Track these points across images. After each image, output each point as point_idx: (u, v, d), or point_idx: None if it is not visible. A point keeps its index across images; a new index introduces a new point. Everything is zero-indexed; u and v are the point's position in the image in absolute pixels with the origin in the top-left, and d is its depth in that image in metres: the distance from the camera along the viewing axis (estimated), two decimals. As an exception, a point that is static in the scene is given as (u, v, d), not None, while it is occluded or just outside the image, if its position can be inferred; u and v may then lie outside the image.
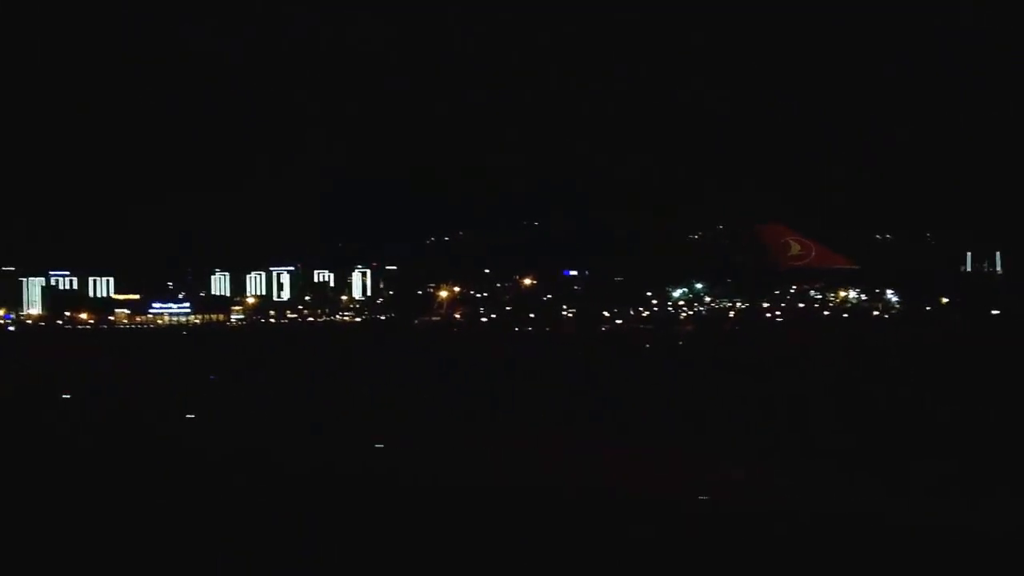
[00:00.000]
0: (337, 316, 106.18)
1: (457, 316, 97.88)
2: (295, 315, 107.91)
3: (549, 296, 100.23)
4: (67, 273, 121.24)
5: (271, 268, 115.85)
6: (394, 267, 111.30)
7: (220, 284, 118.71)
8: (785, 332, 73.11)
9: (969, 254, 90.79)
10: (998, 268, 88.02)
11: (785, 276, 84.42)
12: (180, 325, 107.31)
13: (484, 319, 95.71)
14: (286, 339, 72.41)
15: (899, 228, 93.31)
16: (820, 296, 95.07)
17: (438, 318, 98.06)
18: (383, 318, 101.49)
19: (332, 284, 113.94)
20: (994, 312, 78.95)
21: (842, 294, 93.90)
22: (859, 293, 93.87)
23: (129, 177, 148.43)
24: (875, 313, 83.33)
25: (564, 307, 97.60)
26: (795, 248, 79.38)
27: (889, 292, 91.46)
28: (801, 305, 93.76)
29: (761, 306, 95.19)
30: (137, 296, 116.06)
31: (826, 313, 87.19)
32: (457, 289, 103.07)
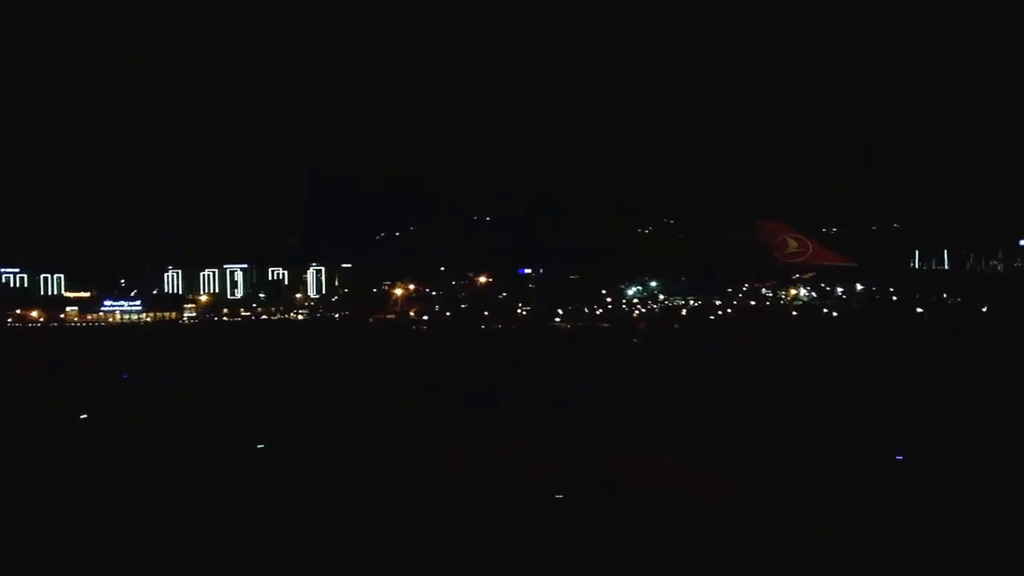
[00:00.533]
0: (291, 314, 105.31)
1: (412, 314, 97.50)
2: (249, 313, 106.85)
3: (504, 294, 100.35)
4: (17, 270, 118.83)
5: (225, 265, 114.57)
6: (349, 265, 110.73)
7: (173, 282, 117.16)
8: (724, 328, 74.30)
9: (917, 251, 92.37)
10: (945, 265, 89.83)
11: (782, 272, 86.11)
12: (131, 323, 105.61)
13: (439, 316, 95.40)
14: (230, 336, 71.52)
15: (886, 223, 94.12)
16: (772, 294, 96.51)
17: (392, 316, 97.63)
18: (337, 316, 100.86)
19: (286, 282, 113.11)
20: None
21: (792, 291, 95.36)
22: (810, 291, 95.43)
23: (81, 173, 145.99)
24: (824, 310, 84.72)
25: (519, 305, 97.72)
26: (792, 245, 79.29)
27: (839, 289, 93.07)
28: (753, 303, 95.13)
29: (713, 303, 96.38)
30: (88, 294, 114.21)
31: (775, 310, 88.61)
32: (412, 287, 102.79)
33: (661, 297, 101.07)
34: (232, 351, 48.10)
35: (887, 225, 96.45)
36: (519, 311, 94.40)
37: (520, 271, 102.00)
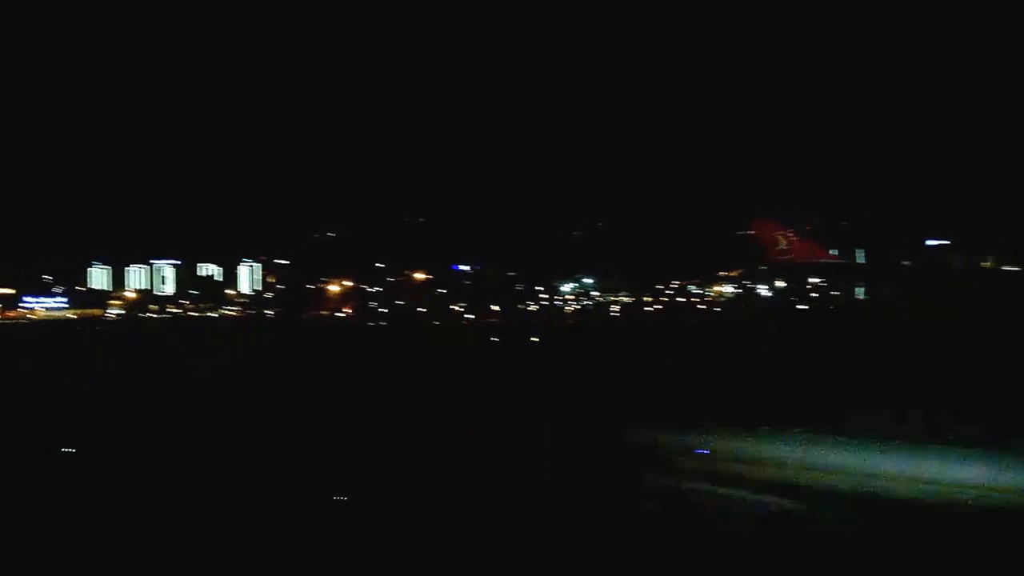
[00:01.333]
0: (222, 311, 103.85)
1: (347, 311, 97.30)
2: (177, 309, 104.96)
3: (442, 291, 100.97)
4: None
5: (153, 261, 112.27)
6: (284, 261, 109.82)
7: (99, 277, 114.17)
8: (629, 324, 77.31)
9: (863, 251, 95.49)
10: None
11: (774, 269, 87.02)
12: (53, 320, 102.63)
13: (373, 313, 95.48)
14: (137, 334, 70.27)
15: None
16: (699, 291, 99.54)
17: (327, 313, 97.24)
18: (270, 313, 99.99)
19: (218, 278, 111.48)
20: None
21: (717, 289, 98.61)
22: (735, 288, 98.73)
23: (2, 167, 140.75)
24: (743, 307, 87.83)
25: (455, 301, 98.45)
26: (783, 243, 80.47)
27: (761, 288, 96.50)
28: (681, 300, 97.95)
29: (642, 300, 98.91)
30: (13, 291, 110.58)
31: (700, 307, 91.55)
32: (348, 283, 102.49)
33: (594, 294, 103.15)
34: (139, 347, 47.28)
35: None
36: (455, 307, 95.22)
37: (455, 268, 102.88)
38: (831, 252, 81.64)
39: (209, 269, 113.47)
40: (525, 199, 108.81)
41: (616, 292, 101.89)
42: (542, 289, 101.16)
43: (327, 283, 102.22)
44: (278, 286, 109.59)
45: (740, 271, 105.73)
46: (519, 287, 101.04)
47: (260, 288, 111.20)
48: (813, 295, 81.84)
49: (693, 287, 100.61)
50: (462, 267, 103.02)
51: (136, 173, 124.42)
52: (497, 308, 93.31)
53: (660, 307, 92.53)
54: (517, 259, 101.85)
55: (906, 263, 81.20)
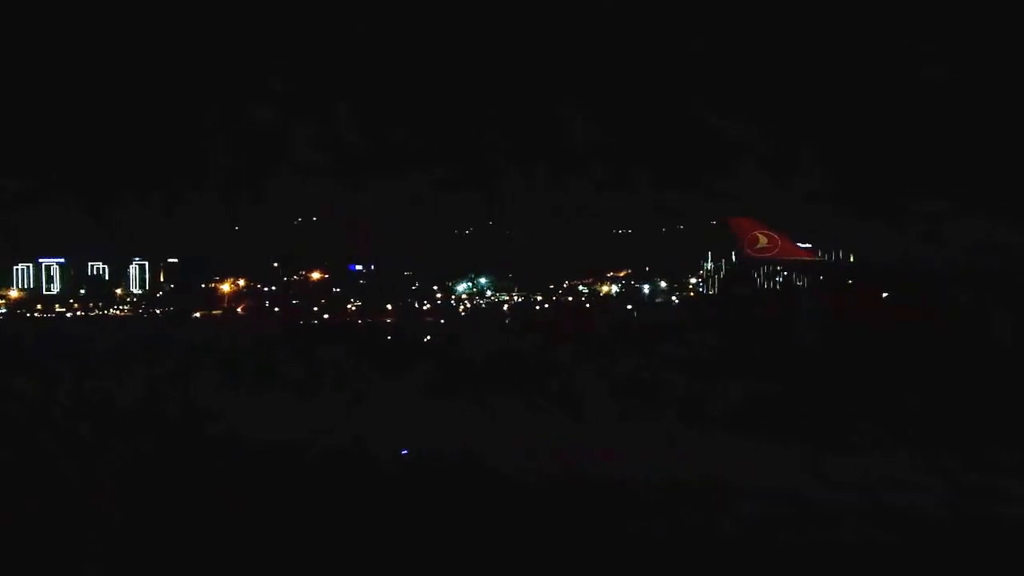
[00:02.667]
0: (111, 310, 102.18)
1: (239, 310, 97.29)
2: (64, 309, 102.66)
3: (337, 290, 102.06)
4: None
5: (39, 259, 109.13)
6: (175, 260, 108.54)
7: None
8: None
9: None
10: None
11: (752, 267, 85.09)
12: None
13: (266, 312, 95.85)
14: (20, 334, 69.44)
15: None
16: (588, 290, 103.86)
17: (219, 312, 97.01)
18: (159, 312, 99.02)
19: (107, 277, 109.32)
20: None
21: (604, 288, 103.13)
22: (620, 287, 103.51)
23: None
24: (628, 306, 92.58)
25: (351, 301, 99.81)
26: (762, 240, 77.84)
27: (646, 287, 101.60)
28: (570, 299, 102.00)
29: (534, 299, 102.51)
30: None
31: (587, 306, 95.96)
32: (242, 282, 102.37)
33: (488, 293, 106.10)
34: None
35: None
36: (350, 306, 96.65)
37: (351, 268, 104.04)
38: (808, 248, 79.83)
39: (98, 268, 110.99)
40: (422, 198, 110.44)
41: (509, 291, 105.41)
42: (437, 289, 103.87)
43: (219, 282, 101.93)
44: (170, 285, 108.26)
45: (628, 271, 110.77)
46: (415, 287, 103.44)
47: (150, 287, 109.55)
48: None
49: (583, 287, 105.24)
50: (358, 267, 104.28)
51: (23, 171, 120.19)
52: (391, 308, 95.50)
53: (547, 305, 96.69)
54: (413, 259, 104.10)
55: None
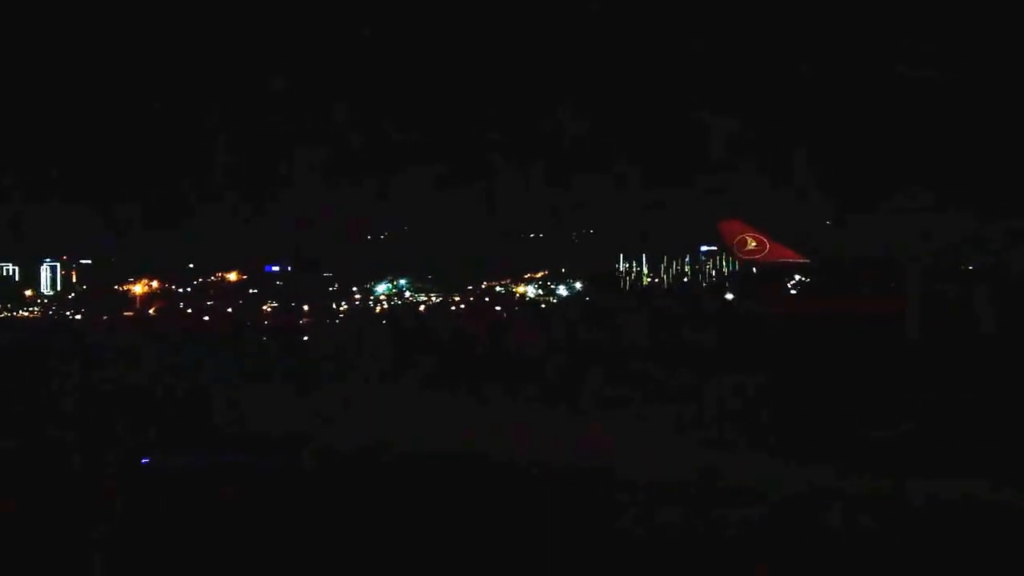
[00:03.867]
0: (20, 312, 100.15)
1: (152, 312, 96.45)
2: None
3: (254, 291, 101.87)
4: None
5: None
6: (88, 261, 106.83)
7: None
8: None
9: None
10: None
11: (741, 269, 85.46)
12: None
13: (180, 313, 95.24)
14: None
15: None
16: (504, 291, 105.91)
17: (132, 314, 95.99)
18: (69, 315, 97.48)
19: (16, 278, 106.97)
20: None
21: (521, 289, 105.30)
22: (537, 288, 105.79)
23: None
24: (543, 306, 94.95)
25: (268, 302, 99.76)
26: (751, 243, 78.32)
27: (562, 288, 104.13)
28: (487, 299, 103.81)
29: (453, 299, 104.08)
30: None
31: (498, 307, 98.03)
32: (156, 284, 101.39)
33: (407, 294, 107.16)
34: None
35: None
36: (265, 308, 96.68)
37: (268, 268, 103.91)
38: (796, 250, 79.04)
39: (7, 269, 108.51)
40: (343, 200, 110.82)
41: (427, 292, 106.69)
42: (356, 290, 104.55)
43: (133, 283, 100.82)
44: (82, 287, 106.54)
45: (545, 272, 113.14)
46: (333, 288, 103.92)
47: (61, 289, 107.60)
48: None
49: (499, 288, 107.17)
50: (275, 268, 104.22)
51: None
52: (307, 308, 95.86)
53: (464, 305, 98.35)
54: (332, 260, 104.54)
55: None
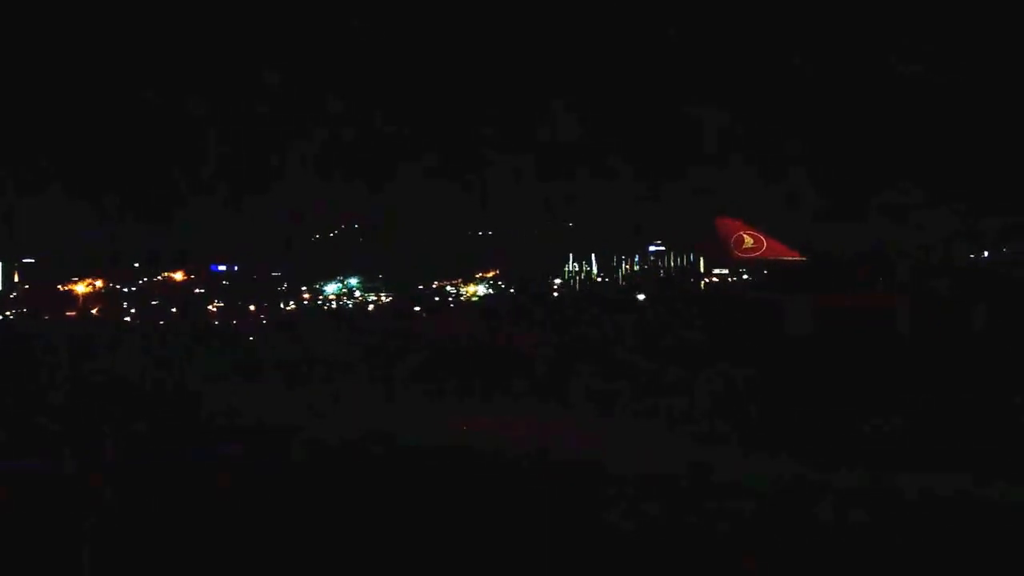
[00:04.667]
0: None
1: (94, 312, 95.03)
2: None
3: (200, 291, 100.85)
4: None
5: None
6: (31, 260, 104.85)
7: None
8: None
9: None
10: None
11: (738, 267, 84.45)
12: None
13: (124, 313, 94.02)
14: None
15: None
16: (455, 290, 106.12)
17: (74, 314, 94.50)
18: (10, 314, 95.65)
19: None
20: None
21: (471, 288, 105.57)
22: (488, 287, 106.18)
23: None
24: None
25: (215, 302, 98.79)
26: (748, 241, 77.65)
27: (512, 287, 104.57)
28: (436, 299, 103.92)
29: (405, 298, 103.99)
30: None
31: (452, 305, 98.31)
32: (99, 284, 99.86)
33: (357, 294, 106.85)
34: None
35: None
36: (212, 307, 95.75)
37: (214, 268, 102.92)
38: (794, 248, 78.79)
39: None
40: (292, 200, 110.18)
41: (378, 292, 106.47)
42: (305, 289, 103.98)
43: (76, 283, 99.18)
44: (25, 286, 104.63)
45: (495, 271, 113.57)
46: (282, 288, 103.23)
47: (3, 288, 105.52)
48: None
49: (451, 287, 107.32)
50: (221, 268, 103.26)
51: None
52: (254, 308, 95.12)
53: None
54: (282, 259, 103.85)
55: None
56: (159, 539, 10.67)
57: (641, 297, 68.04)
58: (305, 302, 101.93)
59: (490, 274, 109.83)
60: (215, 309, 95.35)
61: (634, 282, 79.84)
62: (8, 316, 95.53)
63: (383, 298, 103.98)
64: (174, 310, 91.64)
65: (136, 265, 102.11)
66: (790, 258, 76.67)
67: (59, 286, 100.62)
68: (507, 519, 10.61)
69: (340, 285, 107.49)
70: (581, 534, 10.30)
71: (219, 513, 11.70)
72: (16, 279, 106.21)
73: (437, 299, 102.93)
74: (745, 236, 77.26)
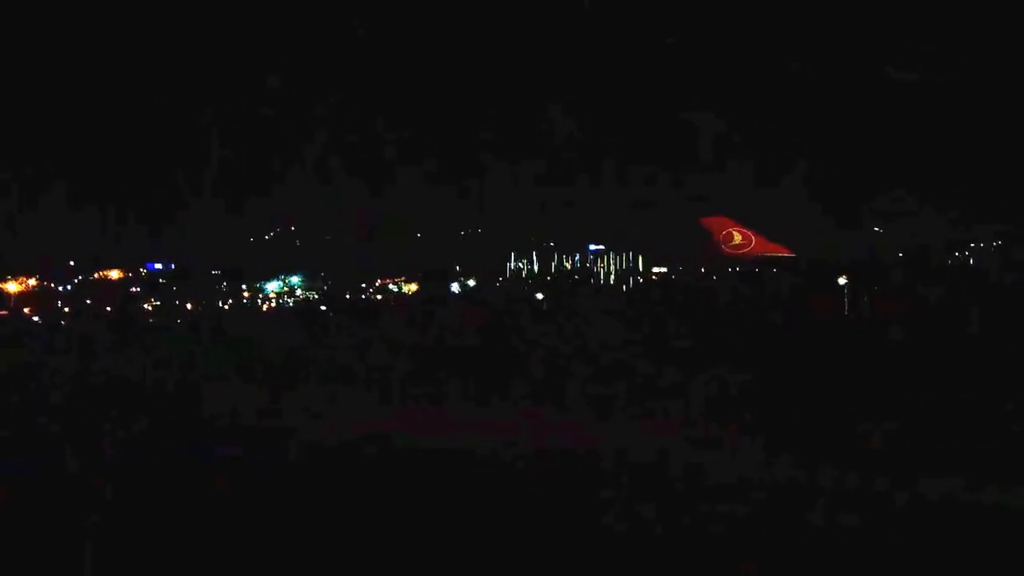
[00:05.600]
0: None
1: (26, 311, 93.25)
2: None
3: (136, 289, 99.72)
4: None
5: None
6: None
7: None
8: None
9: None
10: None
11: (727, 264, 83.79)
12: None
13: (59, 313, 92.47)
14: None
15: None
16: (397, 289, 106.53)
17: (5, 313, 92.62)
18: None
19: None
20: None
21: (409, 287, 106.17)
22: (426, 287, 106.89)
23: None
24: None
25: (152, 300, 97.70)
26: (737, 238, 78.41)
27: (455, 285, 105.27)
28: (379, 297, 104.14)
29: (345, 296, 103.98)
30: None
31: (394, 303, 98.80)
32: (32, 282, 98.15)
33: (298, 292, 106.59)
34: None
35: None
36: (148, 306, 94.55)
37: (150, 267, 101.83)
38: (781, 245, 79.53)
39: None
40: (233, 198, 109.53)
41: (319, 291, 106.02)
42: (244, 288, 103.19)
43: (7, 281, 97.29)
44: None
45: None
46: (221, 286, 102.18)
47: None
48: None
49: (392, 286, 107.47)
50: (157, 266, 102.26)
51: None
52: (190, 307, 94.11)
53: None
54: (223, 258, 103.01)
55: None
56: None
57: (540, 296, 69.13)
58: (244, 300, 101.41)
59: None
60: (150, 308, 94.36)
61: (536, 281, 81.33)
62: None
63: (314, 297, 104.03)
64: (108, 309, 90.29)
65: (72, 263, 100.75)
66: (780, 255, 77.51)
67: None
68: (506, 519, 11.12)
69: (281, 284, 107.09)
70: (578, 535, 10.70)
71: (217, 513, 11.67)
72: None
73: (380, 296, 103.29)
74: (734, 233, 77.91)
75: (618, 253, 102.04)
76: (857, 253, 74.08)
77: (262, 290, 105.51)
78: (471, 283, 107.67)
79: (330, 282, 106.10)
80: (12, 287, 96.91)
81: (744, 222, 78.84)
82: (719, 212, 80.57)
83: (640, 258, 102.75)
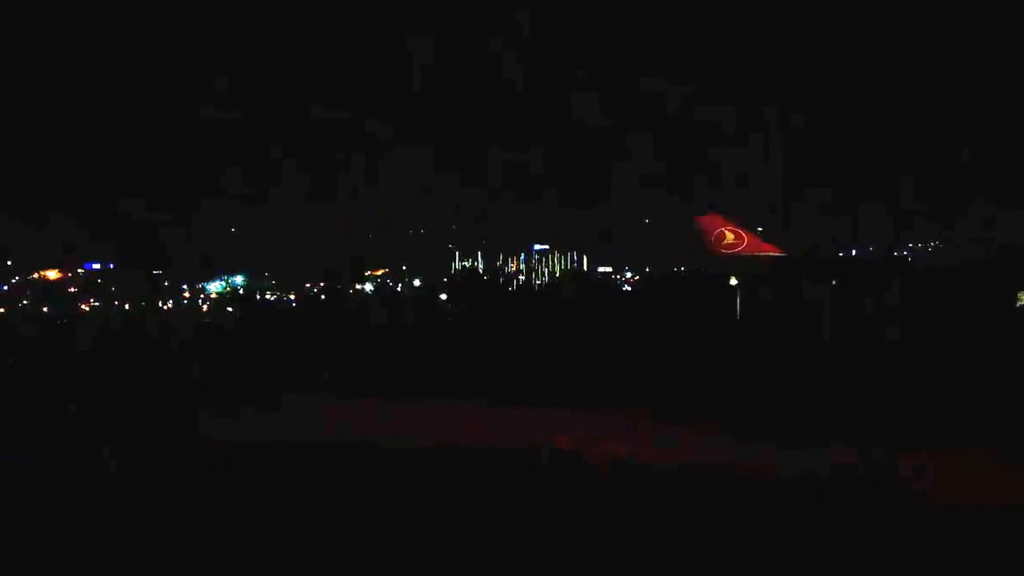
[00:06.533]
0: None
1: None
2: None
3: (74, 289, 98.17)
4: None
5: None
6: None
7: None
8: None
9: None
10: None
11: (719, 262, 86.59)
12: None
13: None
14: None
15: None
16: (378, 286, 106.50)
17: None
18: None
19: None
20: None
21: (358, 287, 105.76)
22: (375, 286, 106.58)
23: None
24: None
25: (91, 300, 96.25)
26: (729, 237, 77.42)
27: (415, 282, 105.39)
28: (323, 297, 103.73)
29: (295, 296, 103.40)
30: None
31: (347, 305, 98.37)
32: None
33: (240, 291, 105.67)
34: None
35: None
36: (85, 306, 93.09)
37: (88, 266, 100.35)
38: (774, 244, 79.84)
39: None
40: (178, 197, 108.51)
41: (265, 290, 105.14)
42: (186, 287, 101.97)
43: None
44: None
45: (386, 270, 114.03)
46: (164, 285, 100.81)
47: None
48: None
49: (340, 285, 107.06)
50: (95, 266, 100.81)
51: None
52: (128, 306, 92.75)
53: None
54: (165, 257, 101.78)
55: None
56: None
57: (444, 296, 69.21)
58: (185, 300, 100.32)
59: (379, 272, 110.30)
60: (87, 308, 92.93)
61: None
62: None
63: (268, 296, 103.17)
64: (45, 309, 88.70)
65: (9, 263, 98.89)
66: (771, 254, 77.76)
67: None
68: (504, 519, 10.87)
69: (224, 283, 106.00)
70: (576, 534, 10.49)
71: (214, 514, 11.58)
72: None
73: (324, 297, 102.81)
74: (727, 232, 77.24)
75: (563, 253, 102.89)
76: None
77: (204, 289, 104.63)
78: (416, 283, 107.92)
79: (274, 281, 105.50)
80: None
81: (736, 221, 78.31)
82: (711, 210, 78.86)
83: (584, 258, 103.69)
